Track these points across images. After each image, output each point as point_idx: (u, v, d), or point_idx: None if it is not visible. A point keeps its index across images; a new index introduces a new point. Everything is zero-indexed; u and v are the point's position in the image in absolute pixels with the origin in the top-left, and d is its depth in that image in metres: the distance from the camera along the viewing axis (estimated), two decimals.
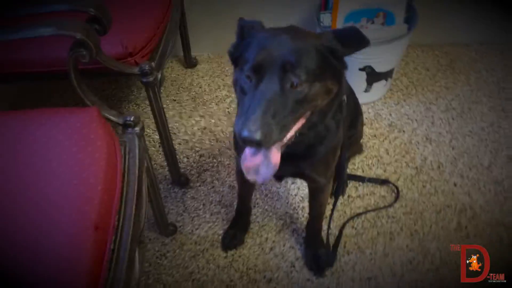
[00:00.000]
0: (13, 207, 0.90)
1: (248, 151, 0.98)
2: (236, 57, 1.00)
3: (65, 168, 0.98)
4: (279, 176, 1.31)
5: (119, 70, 1.29)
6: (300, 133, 1.00)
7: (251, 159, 0.97)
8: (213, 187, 1.73)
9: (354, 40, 0.99)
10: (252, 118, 0.85)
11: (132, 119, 1.16)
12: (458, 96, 2.02)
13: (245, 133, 0.85)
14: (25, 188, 0.94)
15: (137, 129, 1.17)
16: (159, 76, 1.37)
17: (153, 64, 1.33)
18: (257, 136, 0.84)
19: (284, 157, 0.98)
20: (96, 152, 1.03)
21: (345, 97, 1.16)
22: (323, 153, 1.15)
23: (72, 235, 0.87)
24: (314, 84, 0.93)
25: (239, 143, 1.15)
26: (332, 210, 1.52)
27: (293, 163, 1.13)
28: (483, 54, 2.20)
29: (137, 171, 1.09)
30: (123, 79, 2.11)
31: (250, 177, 0.98)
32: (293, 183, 1.73)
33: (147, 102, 1.44)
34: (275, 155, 0.96)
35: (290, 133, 0.94)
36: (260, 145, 0.87)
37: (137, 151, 1.13)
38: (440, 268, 1.48)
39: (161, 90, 1.91)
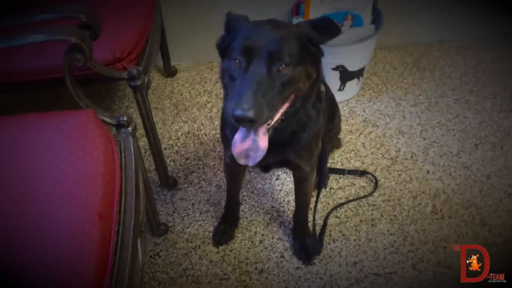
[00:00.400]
0: (25, 200, 0.95)
1: (237, 136, 1.06)
2: (224, 48, 1.08)
3: (67, 164, 1.03)
4: (265, 166, 1.39)
5: (108, 76, 1.34)
6: (284, 120, 1.09)
7: (240, 145, 1.05)
8: (200, 187, 1.79)
9: (328, 28, 1.10)
10: (244, 98, 0.93)
11: (125, 119, 1.22)
12: (425, 91, 2.15)
13: (238, 112, 0.92)
14: (31, 184, 0.99)
15: (130, 128, 1.23)
16: (146, 79, 1.44)
17: (140, 68, 1.39)
18: (250, 113, 0.92)
19: (270, 145, 1.06)
20: (94, 149, 1.09)
21: (323, 89, 1.26)
22: (307, 140, 1.23)
23: (79, 223, 0.93)
24: (296, 68, 1.02)
25: (228, 130, 1.23)
26: (316, 201, 1.60)
27: (279, 151, 1.21)
28: (445, 52, 2.35)
29: (133, 167, 1.15)
30: (108, 87, 2.16)
31: (242, 161, 1.06)
32: (277, 179, 1.81)
33: (134, 109, 1.50)
34: (263, 139, 1.04)
35: (277, 115, 1.03)
36: (253, 122, 0.94)
37: (132, 148, 1.18)
38: (420, 249, 1.58)
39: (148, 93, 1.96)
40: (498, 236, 1.61)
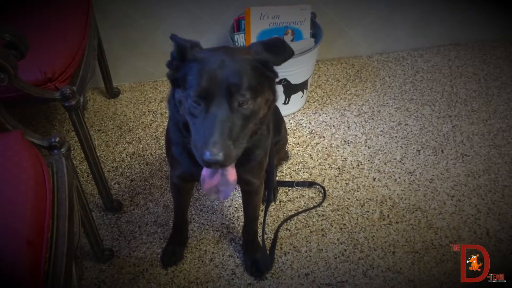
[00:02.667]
0: None
1: (205, 173, 1.05)
2: (177, 78, 1.04)
3: None
4: None
5: (40, 96, 1.29)
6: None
7: (209, 181, 1.05)
8: (147, 208, 1.73)
9: (281, 50, 1.08)
10: (211, 142, 0.93)
11: (57, 140, 1.17)
12: (367, 101, 2.21)
13: (208, 157, 0.92)
14: None
15: (63, 150, 1.18)
16: (82, 99, 1.39)
17: (74, 88, 1.34)
18: (220, 157, 0.92)
19: None
20: (22, 173, 1.02)
21: None
22: (261, 156, 1.23)
23: (6, 251, 0.86)
24: (257, 100, 1.01)
25: (175, 149, 1.21)
26: (265, 215, 1.59)
27: None
28: (384, 63, 2.43)
29: (66, 189, 1.09)
30: (47, 110, 2.08)
31: (212, 197, 1.07)
32: None
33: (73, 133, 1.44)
34: (231, 172, 1.05)
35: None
36: (223, 165, 0.95)
37: (65, 170, 1.13)
38: (369, 255, 1.59)
39: (85, 119, 1.90)
40: (444, 238, 1.65)
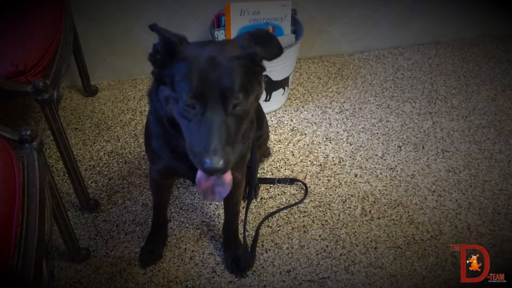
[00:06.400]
0: None
1: (200, 175, 1.02)
2: (163, 76, 0.99)
3: None
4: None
5: (10, 89, 1.25)
6: None
7: (205, 182, 1.02)
8: (125, 207, 1.69)
9: (268, 43, 1.04)
10: (211, 149, 0.91)
11: (28, 133, 1.12)
12: (349, 99, 2.20)
13: (209, 165, 0.91)
14: None
15: (34, 144, 1.14)
16: (56, 94, 1.35)
17: (47, 81, 1.30)
18: (221, 165, 0.90)
19: None
20: None
21: None
22: (245, 150, 1.20)
23: None
24: (249, 99, 0.99)
25: (155, 142, 1.18)
26: (246, 212, 1.56)
27: None
28: (365, 61, 2.44)
29: (38, 184, 1.05)
30: (22, 110, 2.02)
31: (208, 199, 1.04)
32: None
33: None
34: (227, 173, 1.02)
35: None
36: (224, 172, 0.94)
37: (36, 164, 1.09)
38: (351, 251, 1.58)
39: (61, 116, 1.85)
40: (425, 232, 1.65)
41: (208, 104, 0.93)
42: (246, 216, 1.56)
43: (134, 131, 1.99)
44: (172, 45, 0.97)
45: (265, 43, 1.04)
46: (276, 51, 1.05)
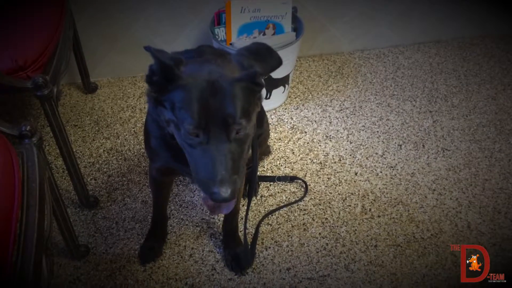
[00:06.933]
0: None
1: (204, 194, 1.01)
2: (162, 100, 0.98)
3: None
4: None
5: (10, 85, 1.24)
6: None
7: (210, 201, 1.02)
8: (125, 204, 1.68)
9: (267, 57, 1.03)
10: (218, 180, 0.92)
11: (28, 129, 1.12)
12: (349, 97, 2.20)
13: (217, 196, 0.92)
14: None
15: (34, 139, 1.13)
16: (55, 90, 1.34)
17: (47, 77, 1.30)
18: (228, 195, 0.92)
19: None
20: None
21: None
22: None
23: None
24: (250, 123, 0.99)
25: (154, 141, 1.18)
26: (247, 210, 1.55)
27: None
28: (366, 59, 2.43)
29: (37, 179, 1.05)
30: (21, 108, 2.01)
31: (216, 212, 1.07)
32: None
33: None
34: None
35: None
36: (230, 200, 0.95)
37: (36, 159, 1.08)
38: (351, 249, 1.58)
39: (61, 113, 1.84)
40: (425, 231, 1.64)
41: (211, 133, 0.93)
42: (247, 214, 1.55)
43: (133, 128, 1.98)
44: (168, 69, 0.94)
45: (264, 58, 1.02)
46: (275, 65, 1.03)
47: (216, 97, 0.93)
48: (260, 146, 1.69)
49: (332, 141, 1.97)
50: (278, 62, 1.04)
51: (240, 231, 1.58)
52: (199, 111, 0.92)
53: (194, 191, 1.74)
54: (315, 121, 2.07)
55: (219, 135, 0.94)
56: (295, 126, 2.04)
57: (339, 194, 1.76)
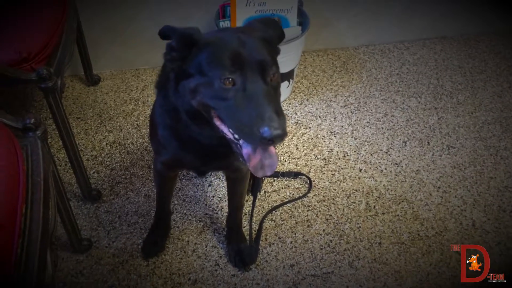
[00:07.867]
0: None
1: (247, 151, 0.99)
2: (186, 68, 0.99)
3: None
4: (203, 171, 1.36)
5: (14, 77, 1.22)
6: None
7: (254, 157, 1.00)
8: (127, 198, 1.67)
9: (275, 29, 1.09)
10: (267, 117, 0.89)
11: (32, 121, 1.10)
12: (354, 93, 2.18)
13: (269, 133, 0.88)
14: None
15: (38, 132, 1.12)
16: (59, 82, 1.33)
17: (51, 69, 1.28)
18: (281, 131, 0.89)
19: (214, 151, 1.11)
20: None
21: None
22: None
23: None
24: (278, 72, 1.01)
25: (163, 132, 1.18)
26: (252, 207, 1.55)
27: (221, 156, 1.18)
28: (370, 55, 2.41)
29: (42, 173, 1.04)
30: (24, 100, 2.00)
31: (259, 174, 1.01)
32: (210, 185, 1.73)
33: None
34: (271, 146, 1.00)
35: None
36: (283, 138, 0.92)
37: (40, 153, 1.07)
38: (355, 246, 1.57)
39: (64, 105, 1.83)
40: (430, 229, 1.64)
41: (248, 77, 0.94)
42: (252, 211, 1.55)
43: (136, 121, 1.96)
44: (189, 37, 0.98)
45: (273, 28, 1.09)
46: (281, 36, 1.10)
47: (245, 48, 0.96)
48: None
49: (336, 137, 1.96)
50: (282, 33, 1.11)
51: (244, 227, 1.57)
52: (232, 57, 0.95)
53: (198, 185, 1.73)
54: (319, 117, 2.05)
55: (256, 80, 0.94)
56: (299, 121, 2.02)
57: (343, 190, 1.75)
